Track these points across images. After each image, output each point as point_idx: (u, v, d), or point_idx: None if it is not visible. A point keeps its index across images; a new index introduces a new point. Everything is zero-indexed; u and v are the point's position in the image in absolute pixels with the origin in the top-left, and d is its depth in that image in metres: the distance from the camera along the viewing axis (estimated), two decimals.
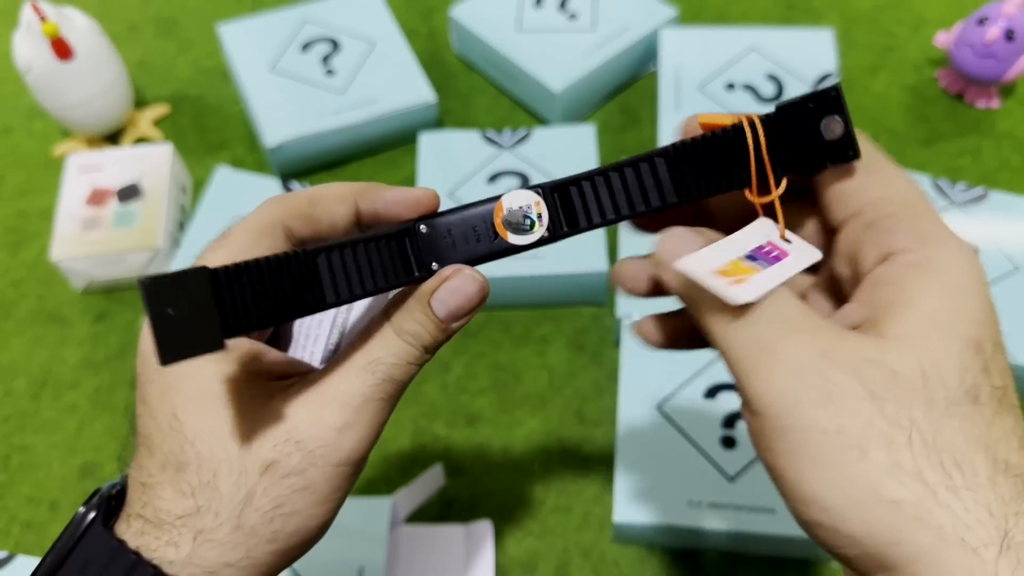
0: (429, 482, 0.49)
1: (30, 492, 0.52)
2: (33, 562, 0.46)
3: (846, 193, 0.25)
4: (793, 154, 0.25)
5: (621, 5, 0.69)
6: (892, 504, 0.21)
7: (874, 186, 0.24)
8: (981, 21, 0.64)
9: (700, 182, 0.26)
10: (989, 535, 0.20)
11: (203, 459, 0.25)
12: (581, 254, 0.56)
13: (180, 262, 0.57)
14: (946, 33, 0.67)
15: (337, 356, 0.27)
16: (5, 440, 0.54)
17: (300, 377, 0.28)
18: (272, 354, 0.28)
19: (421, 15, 0.76)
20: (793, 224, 0.27)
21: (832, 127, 0.24)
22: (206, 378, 0.26)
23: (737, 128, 0.25)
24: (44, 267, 0.62)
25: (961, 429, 0.21)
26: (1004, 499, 0.21)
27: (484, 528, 0.48)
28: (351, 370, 0.26)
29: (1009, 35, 0.62)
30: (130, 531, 0.26)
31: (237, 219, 0.62)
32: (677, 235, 0.25)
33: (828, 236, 0.27)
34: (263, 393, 0.26)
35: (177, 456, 0.25)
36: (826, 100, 0.24)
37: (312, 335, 0.30)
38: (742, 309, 0.23)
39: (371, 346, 0.27)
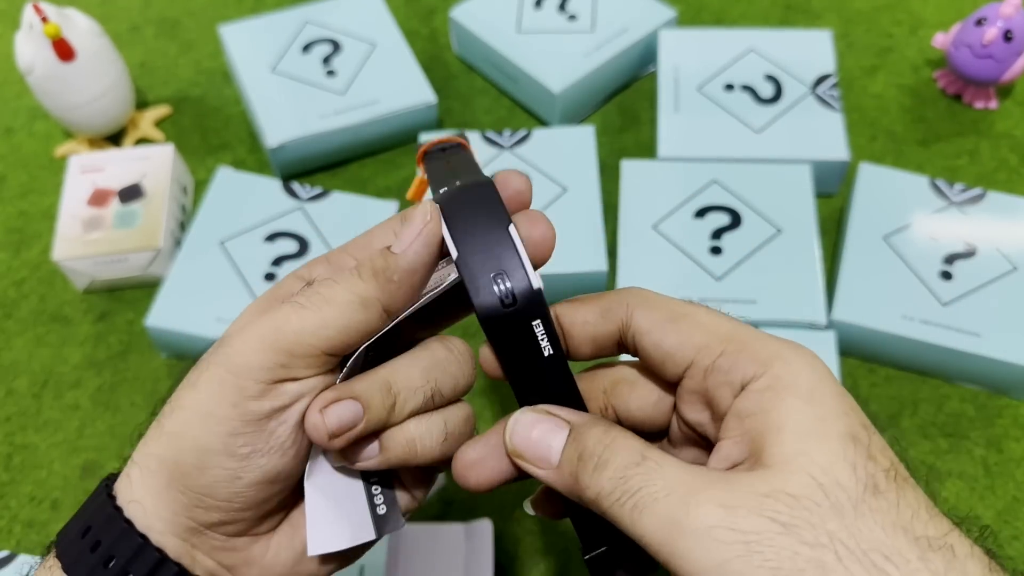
0: None
1: (32, 491, 0.52)
2: (35, 561, 0.46)
3: (671, 351, 0.26)
4: None
5: (620, 6, 0.70)
6: None
7: (692, 335, 0.26)
8: (979, 22, 0.64)
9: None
10: None
11: None
12: (580, 254, 0.56)
13: (181, 262, 0.57)
14: (944, 34, 0.68)
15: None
16: (7, 439, 0.54)
17: None
18: None
19: (421, 16, 0.76)
20: (638, 399, 0.29)
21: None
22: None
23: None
24: (46, 267, 0.62)
25: (876, 523, 0.22)
26: (939, 573, 0.21)
27: (484, 527, 0.48)
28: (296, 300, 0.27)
29: (1007, 36, 0.63)
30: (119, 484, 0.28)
31: (238, 220, 0.62)
32: (529, 426, 0.26)
33: (667, 394, 0.28)
34: None
35: None
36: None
37: None
38: (637, 493, 0.23)
39: None
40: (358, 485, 0.29)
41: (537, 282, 0.26)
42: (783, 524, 0.22)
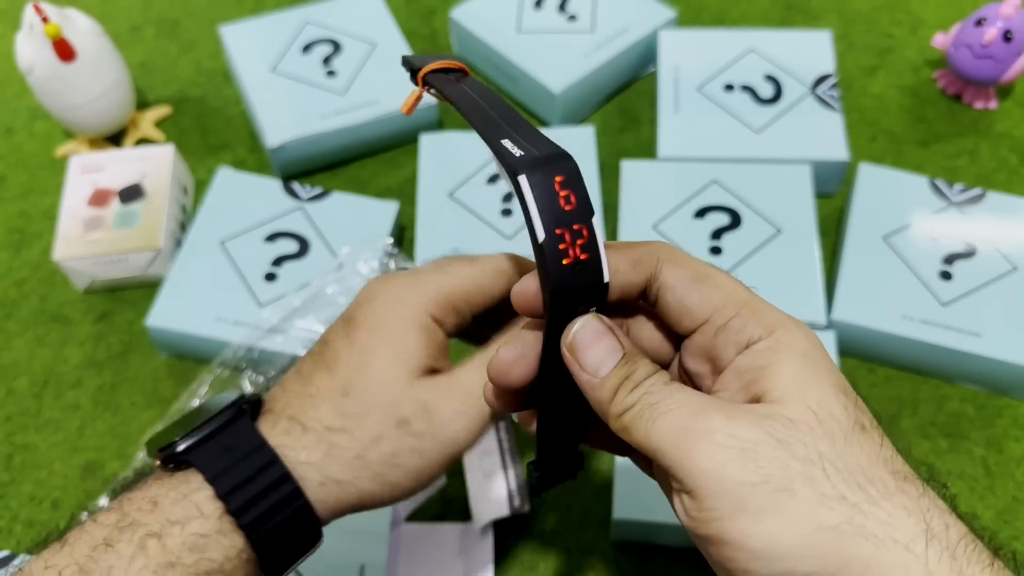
0: None
1: (32, 491, 0.52)
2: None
3: (691, 308, 0.29)
4: None
5: (620, 6, 0.70)
6: (832, 530, 0.23)
7: (711, 296, 0.28)
8: (979, 22, 0.64)
9: None
10: (913, 531, 0.24)
11: (368, 395, 0.33)
12: None
13: (181, 262, 0.57)
14: (944, 34, 0.68)
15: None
16: (7, 439, 0.54)
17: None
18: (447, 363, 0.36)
19: (421, 16, 0.76)
20: (637, 337, 0.31)
21: None
22: (406, 347, 0.34)
23: None
24: (46, 267, 0.62)
25: (862, 453, 0.25)
26: (914, 498, 0.24)
27: (484, 527, 0.48)
28: (479, 366, 0.34)
29: (1007, 36, 0.63)
30: (276, 429, 0.33)
31: (238, 220, 0.61)
32: (594, 335, 0.28)
33: (672, 341, 0.31)
34: (428, 373, 0.35)
35: (351, 384, 0.33)
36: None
37: None
38: (656, 405, 0.26)
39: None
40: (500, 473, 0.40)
41: (607, 276, 0.27)
42: (778, 440, 0.24)
